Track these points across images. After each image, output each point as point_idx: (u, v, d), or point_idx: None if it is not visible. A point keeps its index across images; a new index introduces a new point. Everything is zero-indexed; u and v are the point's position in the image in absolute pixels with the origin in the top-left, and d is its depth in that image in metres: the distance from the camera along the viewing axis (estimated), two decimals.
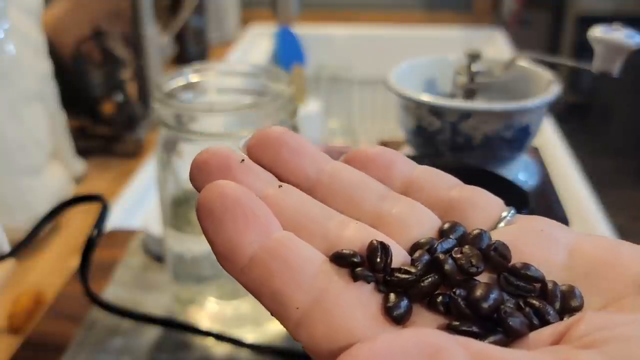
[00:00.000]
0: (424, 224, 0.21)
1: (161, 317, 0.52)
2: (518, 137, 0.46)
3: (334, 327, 0.17)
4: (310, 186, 0.22)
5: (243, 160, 0.21)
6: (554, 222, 0.22)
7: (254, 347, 0.49)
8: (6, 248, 0.57)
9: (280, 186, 0.21)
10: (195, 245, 0.47)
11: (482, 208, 0.22)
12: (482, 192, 0.23)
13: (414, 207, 0.22)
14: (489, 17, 1.49)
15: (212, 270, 0.47)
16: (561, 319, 0.19)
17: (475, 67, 0.49)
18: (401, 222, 0.21)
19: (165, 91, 0.46)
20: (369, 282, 0.19)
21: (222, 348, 0.49)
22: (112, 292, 0.56)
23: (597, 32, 0.46)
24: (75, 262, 0.63)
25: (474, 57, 0.48)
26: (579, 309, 0.19)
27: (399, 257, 0.20)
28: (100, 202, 0.51)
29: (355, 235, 0.20)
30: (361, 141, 1.27)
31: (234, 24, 1.44)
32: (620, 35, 0.45)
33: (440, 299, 0.19)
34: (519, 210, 0.23)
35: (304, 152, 0.22)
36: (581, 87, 2.98)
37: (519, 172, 0.49)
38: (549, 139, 0.96)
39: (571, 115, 2.94)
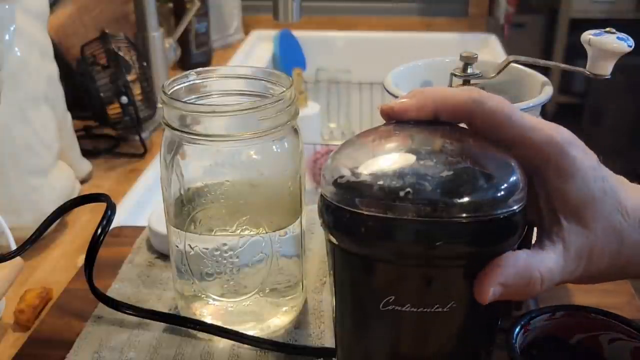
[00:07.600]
0: None
1: (165, 313, 0.53)
2: None
3: None
4: None
5: None
6: None
7: (257, 342, 0.49)
8: (13, 246, 0.58)
9: None
10: (198, 243, 0.48)
11: None
12: None
13: None
14: (483, 22, 1.51)
15: (215, 267, 0.48)
16: None
17: (470, 70, 0.49)
18: None
19: (170, 94, 0.46)
20: None
21: (225, 343, 0.50)
22: (117, 289, 0.57)
23: (590, 36, 0.47)
24: (81, 260, 0.64)
25: (468, 60, 0.49)
26: None
27: None
28: (105, 201, 0.52)
29: None
30: None
31: (235, 29, 1.45)
32: (612, 38, 0.46)
33: None
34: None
35: None
36: (574, 88, 2.97)
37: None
38: None
39: (564, 116, 2.93)
